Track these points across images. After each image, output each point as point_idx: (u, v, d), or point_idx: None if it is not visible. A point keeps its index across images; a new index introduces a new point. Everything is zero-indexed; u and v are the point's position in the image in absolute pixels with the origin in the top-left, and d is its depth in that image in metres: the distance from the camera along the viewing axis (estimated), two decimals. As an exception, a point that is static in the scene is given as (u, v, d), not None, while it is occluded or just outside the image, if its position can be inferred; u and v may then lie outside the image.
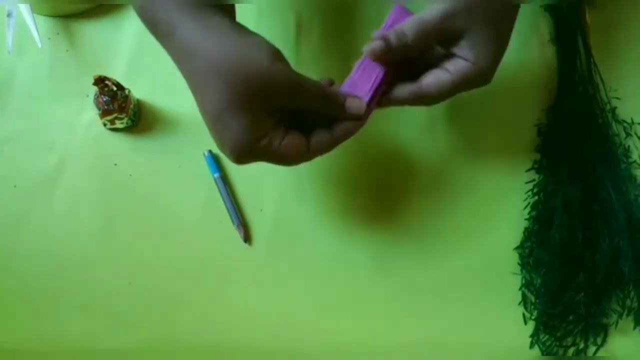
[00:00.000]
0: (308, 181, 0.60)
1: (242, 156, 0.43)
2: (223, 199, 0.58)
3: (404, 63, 0.47)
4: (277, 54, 0.43)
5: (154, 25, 0.44)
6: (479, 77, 0.46)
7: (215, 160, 0.59)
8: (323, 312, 0.56)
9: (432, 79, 0.46)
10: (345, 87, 0.47)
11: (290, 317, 0.56)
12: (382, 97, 0.48)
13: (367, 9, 0.64)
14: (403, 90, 0.47)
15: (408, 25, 0.45)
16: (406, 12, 0.49)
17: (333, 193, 0.60)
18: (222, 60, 0.41)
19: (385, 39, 0.45)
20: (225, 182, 0.59)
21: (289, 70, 0.43)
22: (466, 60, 0.46)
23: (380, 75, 0.46)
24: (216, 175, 0.59)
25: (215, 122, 0.43)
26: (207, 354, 0.55)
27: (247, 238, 0.58)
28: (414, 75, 0.47)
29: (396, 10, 0.49)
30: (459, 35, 0.45)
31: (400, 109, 0.49)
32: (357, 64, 0.47)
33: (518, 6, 0.47)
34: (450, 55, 0.46)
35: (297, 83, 0.43)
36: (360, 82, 0.47)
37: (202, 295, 0.57)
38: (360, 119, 0.46)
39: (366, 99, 0.46)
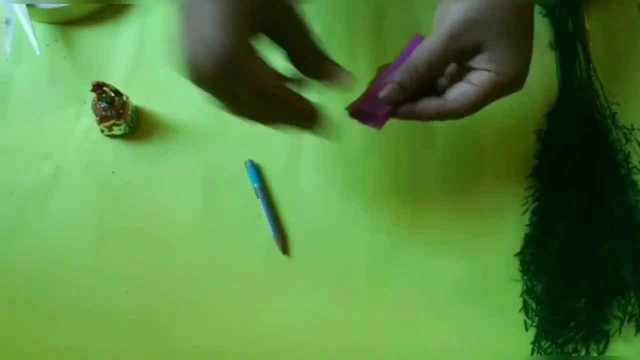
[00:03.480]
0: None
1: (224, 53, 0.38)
2: (262, 210, 0.58)
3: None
4: None
5: None
6: (508, 85, 0.45)
7: (256, 170, 0.59)
8: (321, 314, 0.56)
9: (457, 93, 0.45)
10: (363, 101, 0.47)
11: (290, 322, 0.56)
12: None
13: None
14: (428, 104, 0.46)
15: (418, 57, 0.44)
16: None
17: (331, 203, 0.60)
18: None
19: (400, 84, 0.45)
20: (265, 192, 0.59)
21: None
22: (489, 71, 0.45)
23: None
24: (256, 185, 0.58)
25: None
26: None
27: (285, 249, 0.58)
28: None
29: (417, 40, 0.48)
30: (475, 51, 0.44)
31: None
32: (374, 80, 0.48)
33: (532, 7, 0.45)
34: (471, 66, 0.45)
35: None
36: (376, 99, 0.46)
37: (199, 303, 0.56)
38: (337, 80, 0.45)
39: (380, 123, 0.47)
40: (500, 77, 0.44)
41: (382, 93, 0.46)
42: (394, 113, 0.47)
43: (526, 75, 0.46)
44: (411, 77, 0.45)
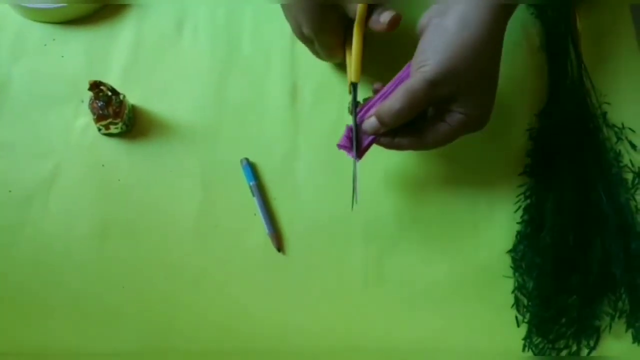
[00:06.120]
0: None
1: None
2: (258, 207, 0.59)
3: None
4: None
5: None
6: (475, 125, 0.52)
7: (251, 169, 0.60)
8: (316, 311, 0.57)
9: (432, 131, 0.52)
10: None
11: (282, 318, 0.57)
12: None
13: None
14: (405, 140, 0.53)
15: (400, 98, 0.49)
16: None
17: (326, 201, 0.60)
18: None
19: (382, 122, 0.51)
20: (260, 190, 0.59)
21: None
22: (461, 113, 0.50)
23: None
24: (252, 183, 0.59)
25: None
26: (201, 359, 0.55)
27: (280, 247, 0.58)
28: None
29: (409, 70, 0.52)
30: (451, 98, 0.50)
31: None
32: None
33: (499, 56, 0.51)
34: (446, 108, 0.51)
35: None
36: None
37: (194, 299, 0.56)
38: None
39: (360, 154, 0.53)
40: (469, 119, 0.51)
41: (365, 127, 0.53)
42: (376, 141, 0.54)
43: (490, 115, 0.52)
44: (393, 118, 0.51)
